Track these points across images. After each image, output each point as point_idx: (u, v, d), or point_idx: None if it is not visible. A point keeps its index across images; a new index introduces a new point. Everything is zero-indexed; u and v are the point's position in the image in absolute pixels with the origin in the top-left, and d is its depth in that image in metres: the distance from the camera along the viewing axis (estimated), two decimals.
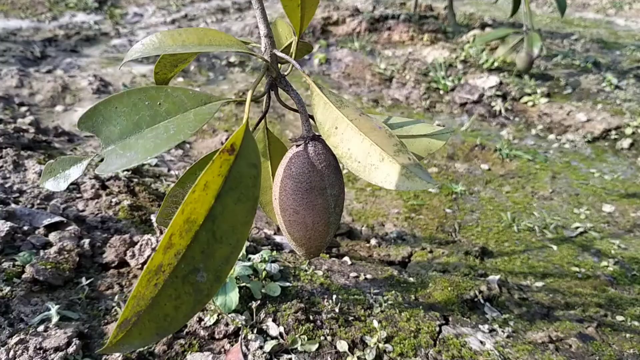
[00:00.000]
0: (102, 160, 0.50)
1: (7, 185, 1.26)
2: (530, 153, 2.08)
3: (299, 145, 0.62)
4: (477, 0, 4.81)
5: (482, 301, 1.22)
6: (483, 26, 3.48)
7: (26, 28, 3.11)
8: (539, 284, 1.36)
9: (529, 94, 2.57)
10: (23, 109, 1.96)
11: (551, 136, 2.30)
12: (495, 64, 2.81)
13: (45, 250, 1.07)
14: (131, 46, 2.79)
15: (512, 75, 2.71)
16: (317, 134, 0.64)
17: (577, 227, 1.63)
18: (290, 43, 0.69)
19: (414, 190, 0.51)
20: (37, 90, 2.13)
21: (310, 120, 0.64)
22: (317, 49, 3.07)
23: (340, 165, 0.67)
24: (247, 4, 4.12)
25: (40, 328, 0.92)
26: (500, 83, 2.62)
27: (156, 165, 1.66)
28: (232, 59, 2.88)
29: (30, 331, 0.91)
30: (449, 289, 1.23)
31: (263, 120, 0.64)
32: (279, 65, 0.61)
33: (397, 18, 3.38)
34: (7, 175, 1.30)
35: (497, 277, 1.31)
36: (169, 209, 0.69)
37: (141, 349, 0.93)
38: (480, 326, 1.13)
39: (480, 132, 2.26)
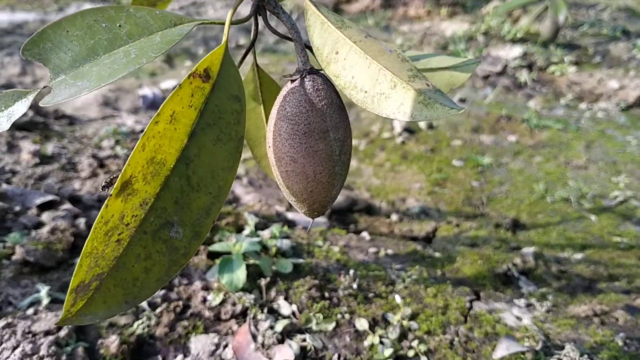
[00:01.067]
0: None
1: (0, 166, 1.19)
2: (561, 123, 1.95)
3: (294, 80, 0.52)
4: None
5: (516, 275, 1.11)
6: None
7: (32, 20, 3.06)
8: (578, 255, 1.24)
9: (556, 63, 2.42)
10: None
11: (582, 105, 2.16)
12: (519, 35, 2.67)
13: (38, 231, 0.99)
14: None
15: (537, 45, 2.57)
16: (315, 67, 0.54)
17: (616, 196, 1.50)
18: None
19: (434, 119, 0.40)
20: (40, 77, 2.07)
21: (308, 51, 0.54)
22: None
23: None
24: None
25: (30, 311, 0.84)
26: (525, 53, 2.48)
27: None
28: (241, 42, 2.78)
29: (18, 314, 0.83)
30: (479, 262, 1.12)
31: (251, 54, 0.54)
32: None
33: None
34: (0, 157, 1.23)
35: (532, 249, 1.20)
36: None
37: (140, 331, 0.85)
38: (515, 301, 1.02)
39: (506, 104, 2.13)
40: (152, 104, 2.03)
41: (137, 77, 2.28)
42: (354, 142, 1.77)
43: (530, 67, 2.43)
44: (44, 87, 0.42)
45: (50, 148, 1.30)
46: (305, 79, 0.52)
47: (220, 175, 0.43)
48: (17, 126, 1.39)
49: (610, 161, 1.69)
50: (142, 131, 1.62)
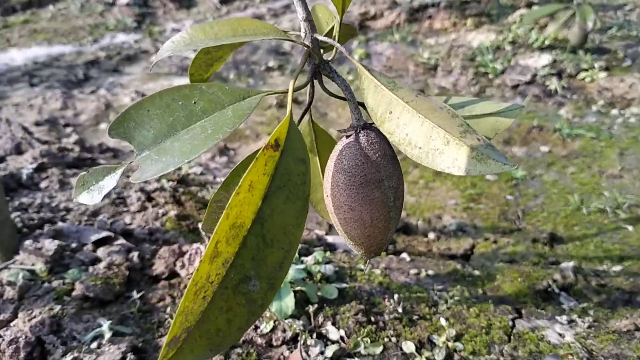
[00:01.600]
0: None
1: (53, 205, 1.25)
2: (593, 130, 1.95)
3: (350, 135, 0.57)
4: None
5: (556, 291, 1.13)
6: (529, 5, 3.33)
7: (69, 53, 3.18)
8: (617, 268, 1.25)
9: (586, 70, 2.42)
10: (68, 129, 1.98)
11: (614, 111, 2.15)
12: (547, 42, 2.67)
13: (95, 266, 1.05)
14: (170, 60, 2.80)
15: (566, 51, 2.57)
16: (368, 122, 0.58)
17: None
18: (332, 27, 0.64)
19: (488, 173, 0.44)
20: (81, 110, 2.16)
21: (360, 108, 0.58)
22: (356, 45, 3.01)
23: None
24: (283, 10, 4.09)
25: (94, 345, 0.89)
26: (554, 61, 2.49)
27: (201, 173, 1.63)
28: (270, 64, 2.85)
29: (83, 349, 0.89)
30: (519, 280, 1.14)
31: (308, 113, 0.59)
32: (321, 51, 0.56)
33: (437, 6, 3.28)
34: (54, 195, 1.29)
35: (571, 263, 1.21)
36: (214, 215, 0.65)
37: None
38: (557, 317, 1.04)
39: (537, 113, 2.14)
40: None
41: None
42: None
43: (559, 74, 2.43)
44: (130, 162, 0.47)
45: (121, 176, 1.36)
46: (360, 134, 0.56)
47: (290, 231, 0.47)
48: (67, 164, 1.46)
49: None
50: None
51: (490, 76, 2.52)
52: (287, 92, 0.50)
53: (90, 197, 0.47)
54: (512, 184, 1.65)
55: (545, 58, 2.49)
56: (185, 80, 2.62)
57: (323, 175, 0.63)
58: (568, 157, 1.81)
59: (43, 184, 1.42)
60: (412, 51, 2.81)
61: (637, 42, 2.69)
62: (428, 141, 0.50)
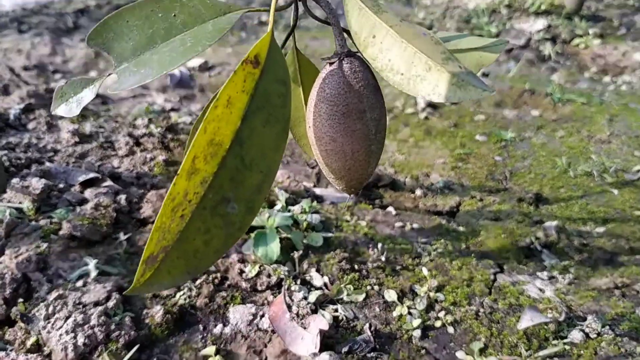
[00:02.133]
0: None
1: (41, 145, 1.24)
2: (585, 96, 1.95)
3: (333, 63, 0.56)
4: None
5: (539, 248, 1.14)
6: None
7: (58, 1, 3.11)
8: (600, 229, 1.27)
9: (580, 36, 2.40)
10: (57, 75, 1.95)
11: (606, 78, 2.14)
12: (543, 7, 2.64)
13: (82, 207, 1.05)
14: None
15: (561, 17, 2.54)
16: (353, 50, 0.57)
17: (638, 170, 1.51)
18: None
19: (467, 99, 0.43)
20: (70, 57, 2.12)
21: (345, 35, 0.57)
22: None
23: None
24: None
25: (79, 283, 0.90)
26: (549, 26, 2.46)
27: (191, 123, 1.62)
28: (263, 18, 2.80)
29: (69, 286, 0.89)
30: (503, 236, 1.15)
31: (292, 39, 0.58)
32: None
33: None
34: (41, 136, 1.28)
35: (555, 223, 1.22)
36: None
37: (182, 302, 0.90)
38: (538, 274, 1.06)
39: (529, 78, 2.13)
40: (180, 82, 2.07)
41: None
42: None
43: (554, 40, 2.42)
44: (109, 74, 0.46)
45: (87, 127, 1.35)
46: (344, 62, 0.55)
47: (269, 155, 0.47)
48: None
49: (634, 135, 1.70)
50: (172, 109, 1.67)
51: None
52: (268, 10, 0.49)
53: (69, 109, 0.46)
54: (500, 145, 1.65)
55: (540, 23, 2.47)
56: None
57: (306, 107, 0.62)
58: (558, 121, 1.81)
59: (30, 125, 1.40)
60: (407, 11, 2.77)
61: (634, 10, 2.67)
62: (410, 67, 0.49)
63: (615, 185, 1.45)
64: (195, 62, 2.14)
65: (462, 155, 1.59)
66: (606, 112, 1.85)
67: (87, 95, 0.46)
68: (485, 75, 2.15)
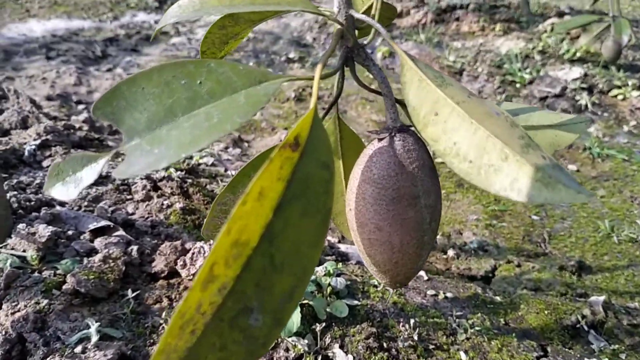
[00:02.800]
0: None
1: None
2: (625, 152, 1.85)
3: (383, 138, 0.47)
4: None
5: (585, 328, 1.03)
6: (560, 15, 3.21)
7: (88, 28, 3.11)
8: None
9: (619, 87, 2.31)
10: (80, 106, 1.91)
11: None
12: (578, 55, 2.56)
13: (90, 258, 0.97)
14: (190, 44, 2.71)
15: (598, 66, 2.46)
16: (405, 125, 0.49)
17: None
18: (370, 5, 0.54)
19: (555, 203, 0.34)
20: (95, 87, 2.08)
21: (398, 107, 0.49)
22: (379, 42, 2.90)
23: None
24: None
25: (78, 349, 0.81)
26: (585, 75, 2.37)
27: (212, 164, 1.55)
28: (291, 55, 2.76)
29: (66, 352, 0.80)
30: (546, 312, 1.04)
31: (334, 107, 0.50)
32: (356, 32, 0.47)
33: (466, 8, 3.17)
34: None
35: (602, 298, 1.11)
36: (217, 220, 0.56)
37: None
38: (586, 359, 0.95)
39: None
40: None
41: None
42: None
43: (590, 89, 2.32)
44: (116, 151, 0.39)
45: (105, 167, 1.28)
46: (395, 138, 0.47)
47: (305, 252, 0.39)
48: (73, 143, 1.38)
49: None
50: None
51: (518, 85, 2.41)
52: (311, 79, 0.41)
53: (65, 190, 0.38)
54: (538, 204, 1.55)
55: (576, 71, 2.38)
56: None
57: (347, 184, 0.54)
58: (597, 178, 1.71)
59: (45, 163, 1.34)
60: (437, 53, 2.71)
61: None
62: (481, 154, 0.41)
63: None
64: None
65: (496, 212, 1.50)
66: None
67: (87, 176, 0.38)
68: None
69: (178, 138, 0.37)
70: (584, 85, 2.33)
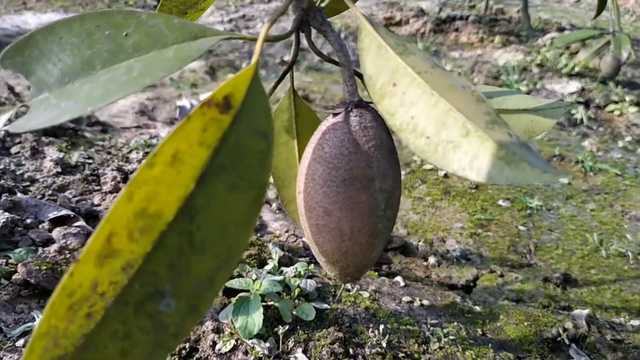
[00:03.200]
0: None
1: (18, 172, 1.12)
2: (618, 167, 1.80)
3: (338, 114, 0.43)
4: (553, 8, 4.49)
5: (566, 342, 0.98)
6: (561, 30, 3.19)
7: None
8: (635, 322, 1.10)
9: (616, 102, 2.27)
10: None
11: None
12: (576, 69, 2.53)
13: (46, 248, 0.91)
14: None
15: (596, 81, 2.42)
16: (365, 101, 0.44)
17: None
18: None
19: (518, 183, 0.29)
20: None
21: (357, 78, 0.44)
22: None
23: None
24: None
25: (20, 342, 0.75)
26: (582, 89, 2.34)
27: None
28: (286, 58, 2.72)
29: (7, 345, 0.75)
30: (525, 323, 0.99)
31: (289, 77, 0.45)
32: None
33: (466, 19, 3.14)
34: (22, 162, 1.16)
35: (585, 311, 1.06)
36: None
37: None
38: None
39: (559, 142, 1.99)
40: None
41: (178, 87, 2.23)
42: None
43: (587, 104, 2.29)
44: (22, 105, 0.34)
45: (75, 157, 1.23)
46: (351, 114, 0.42)
47: (231, 232, 0.34)
48: (45, 131, 1.33)
49: None
50: None
51: None
52: (255, 39, 0.36)
53: None
54: (525, 214, 1.50)
55: (574, 85, 2.35)
56: (198, 64, 2.49)
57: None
58: (589, 192, 1.66)
59: (14, 149, 1.28)
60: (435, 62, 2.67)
61: None
62: (440, 129, 0.36)
63: None
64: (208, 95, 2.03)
65: (482, 221, 1.45)
66: None
67: None
68: None
69: (90, 92, 0.32)
70: (580, 99, 2.30)
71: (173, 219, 0.32)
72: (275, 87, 0.43)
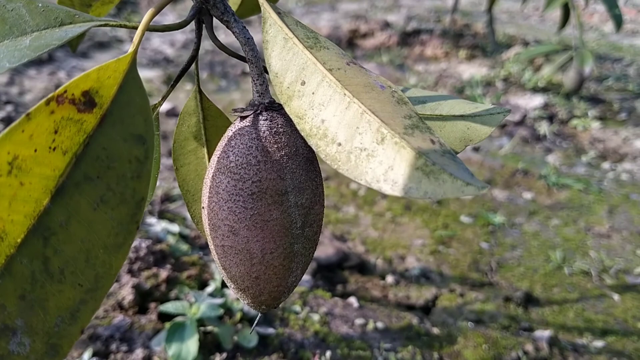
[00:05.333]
0: None
1: None
2: (582, 182, 1.79)
3: (245, 117, 0.37)
4: (519, 23, 4.55)
5: None
6: (525, 44, 3.21)
7: None
8: (599, 343, 1.07)
9: (579, 117, 2.27)
10: (9, 107, 1.77)
11: (605, 164, 1.99)
12: (540, 84, 2.53)
13: None
14: (144, 53, 2.60)
15: (559, 96, 2.43)
16: (277, 101, 0.39)
17: None
18: None
19: (438, 197, 0.24)
20: (28, 89, 1.95)
21: (268, 75, 0.39)
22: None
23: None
24: None
25: None
26: (546, 104, 2.34)
27: None
28: (247, 69, 2.67)
29: None
30: (484, 346, 0.94)
31: (194, 79, 0.39)
32: None
33: (431, 33, 3.14)
34: None
35: (547, 333, 1.02)
36: None
37: None
38: None
39: (523, 157, 1.97)
40: None
41: None
42: (353, 186, 1.62)
43: (551, 118, 2.28)
44: None
45: None
46: (261, 117, 0.37)
47: (100, 257, 0.28)
48: None
49: (636, 231, 1.52)
50: None
51: None
52: (136, 27, 0.31)
53: None
54: (488, 230, 1.46)
55: (538, 100, 2.34)
56: (149, 72, 2.42)
57: None
58: (552, 207, 1.64)
59: None
60: (398, 75, 2.65)
61: (634, 96, 2.56)
62: (353, 135, 0.30)
63: (615, 289, 1.26)
64: (163, 107, 1.97)
65: (443, 237, 1.40)
66: (605, 202, 1.68)
67: None
68: (476, 149, 1.99)
69: None
70: (544, 114, 2.29)
71: (22, 241, 0.26)
72: (173, 85, 0.37)
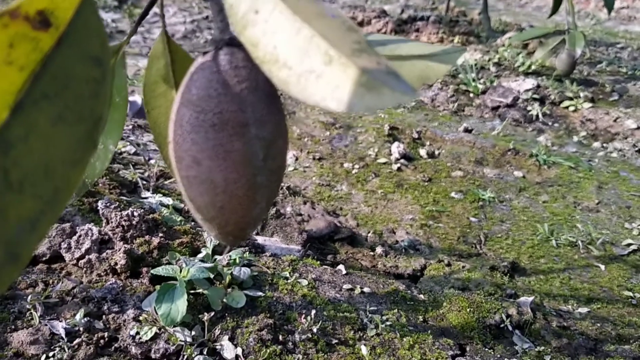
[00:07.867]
0: None
1: None
2: (572, 160, 1.80)
3: (207, 52, 0.39)
4: (515, 11, 4.55)
5: (510, 328, 0.95)
6: (520, 30, 3.21)
7: None
8: (583, 310, 1.09)
9: (571, 98, 2.28)
10: None
11: (596, 144, 2.01)
12: (533, 67, 2.54)
13: None
14: (144, 42, 2.61)
15: (551, 79, 2.44)
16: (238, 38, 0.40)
17: (629, 244, 1.34)
18: None
19: (378, 108, 0.26)
20: None
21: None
22: None
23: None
24: None
25: None
26: (538, 86, 2.35)
27: (135, 153, 1.44)
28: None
29: None
30: (468, 310, 0.96)
31: (159, 17, 0.41)
32: None
33: (427, 20, 3.15)
34: None
35: (531, 298, 1.04)
36: None
37: None
38: None
39: (514, 138, 1.99)
40: (140, 112, 1.91)
41: (132, 84, 2.17)
42: (347, 165, 1.64)
43: (542, 100, 2.29)
44: None
45: None
46: (221, 52, 0.38)
47: (58, 171, 0.29)
48: None
49: (624, 205, 1.54)
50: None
51: (471, 95, 2.37)
52: None
53: None
54: (477, 206, 1.48)
55: (530, 82, 2.35)
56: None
57: None
58: (542, 184, 1.65)
59: None
60: None
61: (626, 78, 2.57)
62: (303, 58, 0.32)
63: (602, 260, 1.28)
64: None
65: (434, 212, 1.42)
66: (595, 178, 1.69)
67: None
68: (468, 130, 2.01)
69: None
70: (536, 96, 2.30)
71: None
72: (138, 22, 0.39)
